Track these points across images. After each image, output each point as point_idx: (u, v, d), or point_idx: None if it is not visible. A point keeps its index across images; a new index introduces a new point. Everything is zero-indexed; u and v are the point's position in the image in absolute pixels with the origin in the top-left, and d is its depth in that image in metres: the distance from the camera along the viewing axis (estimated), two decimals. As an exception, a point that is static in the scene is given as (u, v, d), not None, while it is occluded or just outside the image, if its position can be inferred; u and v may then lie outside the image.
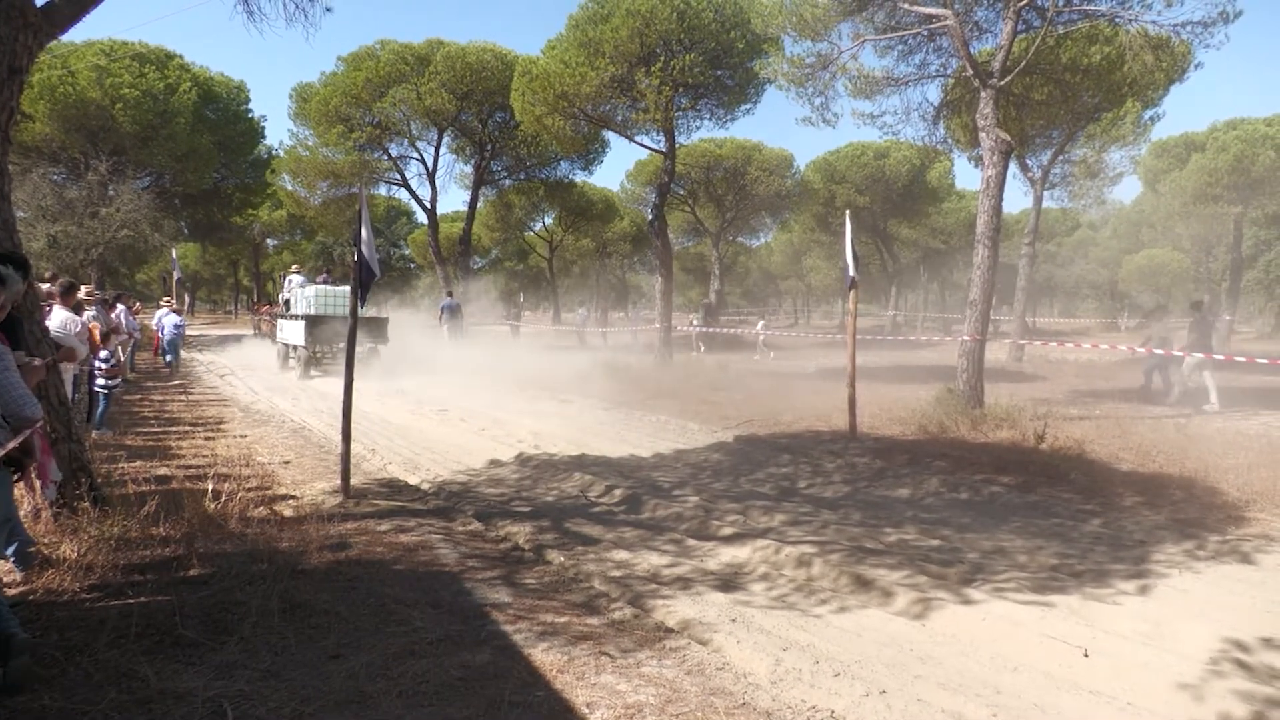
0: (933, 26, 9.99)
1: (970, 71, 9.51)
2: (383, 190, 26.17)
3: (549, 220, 36.80)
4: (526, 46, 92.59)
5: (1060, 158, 19.05)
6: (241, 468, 6.09)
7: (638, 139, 17.29)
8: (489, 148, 23.65)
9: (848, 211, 9.33)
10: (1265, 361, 10.26)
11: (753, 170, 28.15)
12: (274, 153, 27.70)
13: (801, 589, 3.99)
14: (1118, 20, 9.46)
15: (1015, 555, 4.52)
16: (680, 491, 6.12)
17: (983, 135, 9.34)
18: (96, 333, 7.90)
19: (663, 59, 14.84)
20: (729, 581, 4.09)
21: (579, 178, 27.75)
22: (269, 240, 45.31)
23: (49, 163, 21.98)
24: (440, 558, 4.21)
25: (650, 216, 18.14)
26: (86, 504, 4.25)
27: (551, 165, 24.91)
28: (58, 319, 6.16)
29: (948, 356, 15.31)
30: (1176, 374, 10.86)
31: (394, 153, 23.37)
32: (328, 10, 6.42)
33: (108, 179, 20.98)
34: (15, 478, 3.28)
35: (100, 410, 7.86)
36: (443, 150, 23.67)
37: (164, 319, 14.85)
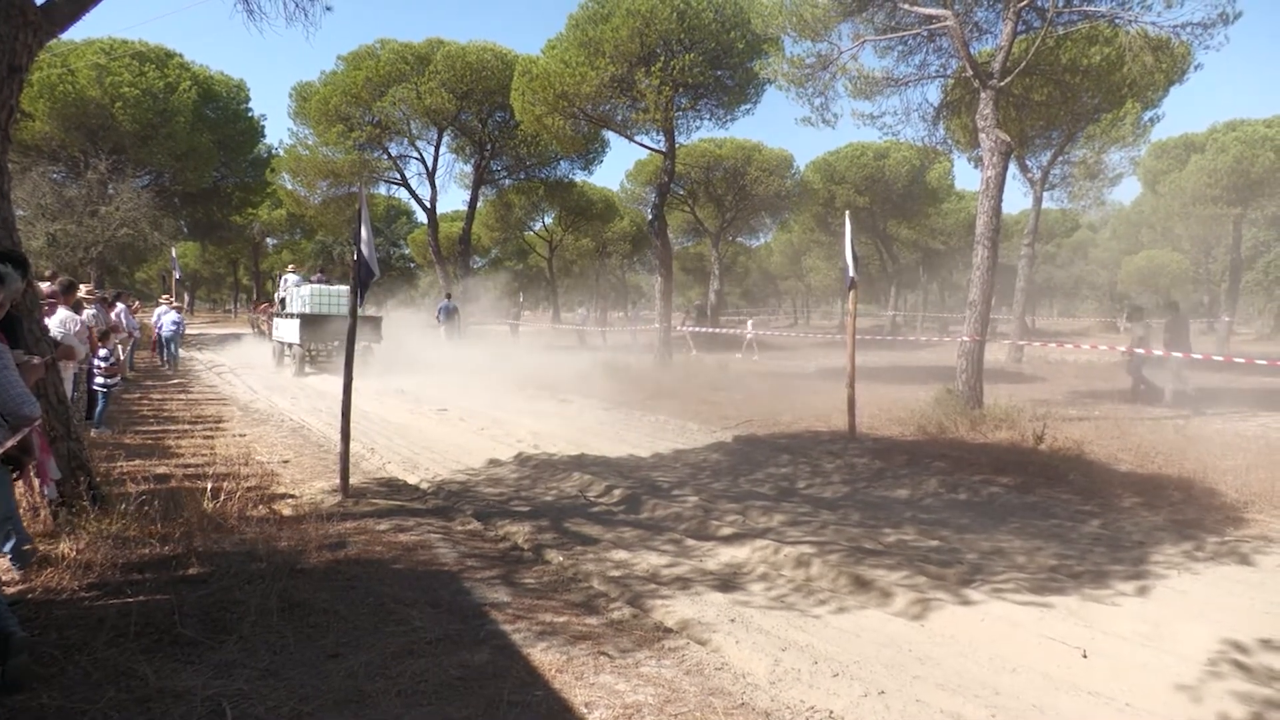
0: (933, 27, 10.00)
1: (970, 72, 9.51)
2: (382, 189, 26.13)
3: (549, 220, 36.75)
4: (527, 46, 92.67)
5: (1060, 158, 19.05)
6: (240, 466, 6.09)
7: (638, 139, 17.29)
8: (489, 147, 23.63)
9: (847, 212, 9.34)
10: (1264, 363, 10.27)
11: (752, 170, 28.13)
12: (274, 152, 27.71)
13: (800, 589, 4.00)
14: (1117, 21, 9.46)
15: (1014, 556, 4.53)
16: (679, 491, 6.12)
17: (982, 136, 9.34)
18: (95, 332, 7.91)
19: (663, 59, 14.84)
20: (728, 582, 4.09)
21: (579, 177, 27.74)
22: (269, 239, 45.27)
23: (49, 161, 21.98)
24: (439, 557, 4.21)
25: (650, 216, 18.13)
26: (85, 502, 4.25)
27: (551, 165, 24.89)
28: (58, 318, 6.16)
29: (947, 357, 15.31)
30: (1160, 375, 10.91)
31: (394, 152, 23.35)
32: (328, 9, 6.42)
33: (107, 177, 20.98)
34: (14, 476, 3.28)
35: (100, 409, 7.86)
36: (442, 150, 23.67)
37: (163, 316, 14.99)
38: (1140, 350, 10.84)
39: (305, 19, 6.27)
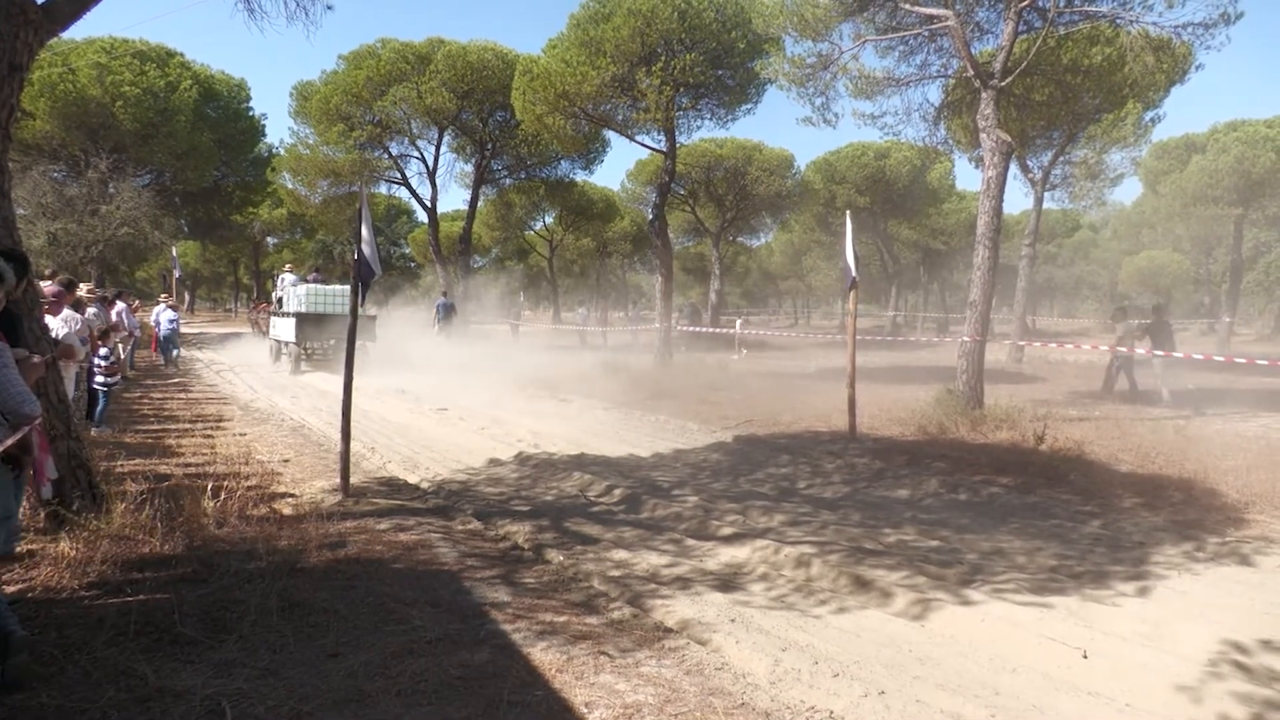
0: (934, 27, 9.99)
1: (971, 72, 9.51)
2: (383, 189, 26.11)
3: (549, 219, 36.76)
4: (527, 46, 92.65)
5: (1061, 159, 19.03)
6: (241, 465, 6.09)
7: (638, 139, 17.27)
8: (489, 147, 23.61)
9: (848, 212, 9.33)
10: (1265, 363, 10.27)
11: (753, 170, 28.10)
12: (274, 151, 27.70)
13: (801, 589, 3.99)
14: (1119, 21, 9.46)
15: (1014, 556, 4.52)
16: (680, 491, 6.12)
17: (983, 136, 9.34)
18: (95, 332, 7.90)
19: (664, 58, 14.83)
20: (728, 581, 4.09)
21: (579, 177, 27.70)
22: (269, 238, 45.21)
23: (49, 160, 21.98)
24: (439, 556, 4.21)
25: (650, 216, 18.12)
26: (85, 501, 4.25)
27: (552, 164, 24.87)
28: (60, 316, 6.16)
29: (947, 357, 15.30)
30: (1145, 374, 11.06)
31: (394, 151, 23.33)
32: (328, 8, 6.41)
33: (108, 176, 20.99)
34: (14, 475, 3.27)
35: (100, 408, 7.86)
36: (443, 149, 23.63)
37: (160, 315, 15.12)
38: (1122, 349, 10.99)
39: (306, 18, 6.26)
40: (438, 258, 24.44)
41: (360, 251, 5.36)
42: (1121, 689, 2.94)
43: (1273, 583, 4.15)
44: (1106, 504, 5.69)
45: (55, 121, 21.02)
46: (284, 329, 15.30)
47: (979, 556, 4.53)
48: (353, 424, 5.54)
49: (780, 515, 5.31)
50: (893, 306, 38.25)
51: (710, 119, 17.14)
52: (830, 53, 10.48)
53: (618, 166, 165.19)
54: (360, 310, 5.72)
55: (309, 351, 15.06)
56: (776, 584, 4.08)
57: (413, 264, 46.18)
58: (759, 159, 28.14)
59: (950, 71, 11.03)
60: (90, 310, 8.45)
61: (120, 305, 11.80)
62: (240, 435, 7.94)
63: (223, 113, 26.24)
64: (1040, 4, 9.65)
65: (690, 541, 4.78)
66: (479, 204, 26.17)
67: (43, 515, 4.09)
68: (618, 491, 5.93)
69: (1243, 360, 10.93)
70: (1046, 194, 19.35)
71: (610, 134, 20.92)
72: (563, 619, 3.41)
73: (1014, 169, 15.35)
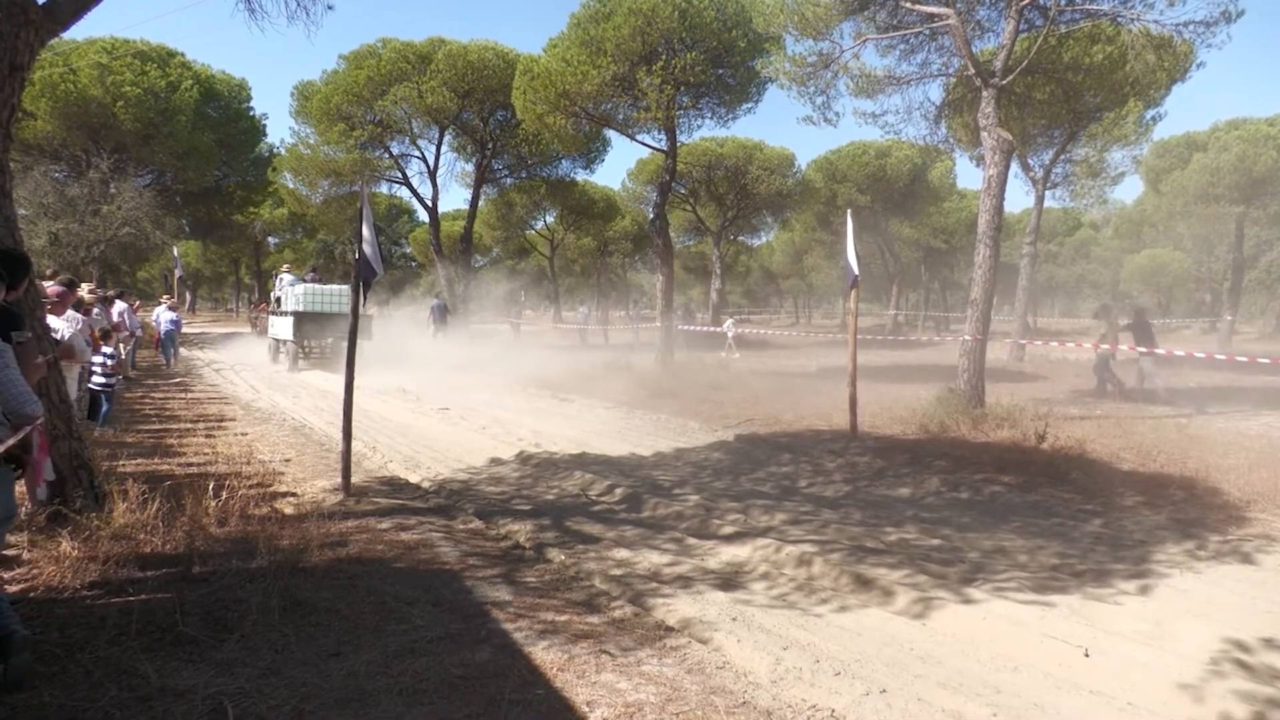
0: (934, 26, 9.98)
1: (972, 71, 9.49)
2: (384, 188, 26.13)
3: (550, 219, 36.75)
4: (528, 45, 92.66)
5: (1062, 157, 19.01)
6: (242, 465, 6.09)
7: (639, 138, 17.26)
8: (490, 146, 23.60)
9: (849, 210, 9.31)
10: (1266, 361, 10.25)
11: (754, 169, 28.09)
12: (275, 151, 27.69)
13: (802, 588, 3.99)
14: (1120, 20, 9.45)
15: (1016, 555, 4.52)
16: (681, 490, 6.12)
17: (984, 134, 9.33)
18: (96, 332, 7.91)
19: (664, 58, 14.82)
20: (729, 580, 4.09)
21: (580, 176, 27.67)
22: (270, 238, 45.21)
23: (50, 160, 22.00)
24: (441, 556, 4.21)
25: (651, 215, 18.10)
26: (88, 501, 4.25)
27: (553, 164, 24.86)
28: (64, 317, 6.16)
29: (948, 356, 15.29)
30: (1127, 372, 11.31)
31: (395, 151, 23.32)
32: (329, 8, 6.42)
33: (109, 176, 21.00)
34: (16, 475, 3.27)
35: (104, 409, 7.87)
36: (444, 148, 23.62)
37: (160, 314, 15.23)
38: (1105, 347, 11.13)
39: (307, 18, 6.27)
40: (439, 257, 24.45)
41: (361, 251, 5.36)
42: (1123, 687, 2.93)
43: (1274, 581, 4.14)
44: (1108, 502, 5.69)
45: (56, 121, 21.04)
46: (282, 328, 15.63)
47: (980, 555, 4.52)
48: (354, 423, 5.55)
49: (781, 514, 5.31)
50: (894, 305, 38.20)
51: (711, 118, 17.13)
52: (831, 51, 10.47)
53: (618, 166, 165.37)
54: (348, 309, 5.74)
55: (306, 350, 15.41)
56: (778, 583, 4.08)
57: (414, 263, 46.18)
58: (760, 158, 28.13)
59: (951, 70, 11.02)
60: (93, 311, 8.46)
61: (121, 305, 11.81)
62: (242, 435, 7.95)
63: (223, 113, 26.25)
64: (1041, 2, 9.64)
65: (691, 540, 4.78)
66: (480, 203, 26.17)
67: (42, 515, 4.09)
68: (619, 490, 5.93)
69: (1244, 358, 10.92)
70: (1047, 192, 19.34)
71: (611, 133, 20.93)
72: (564, 618, 3.41)
73: (1015, 167, 15.33)
